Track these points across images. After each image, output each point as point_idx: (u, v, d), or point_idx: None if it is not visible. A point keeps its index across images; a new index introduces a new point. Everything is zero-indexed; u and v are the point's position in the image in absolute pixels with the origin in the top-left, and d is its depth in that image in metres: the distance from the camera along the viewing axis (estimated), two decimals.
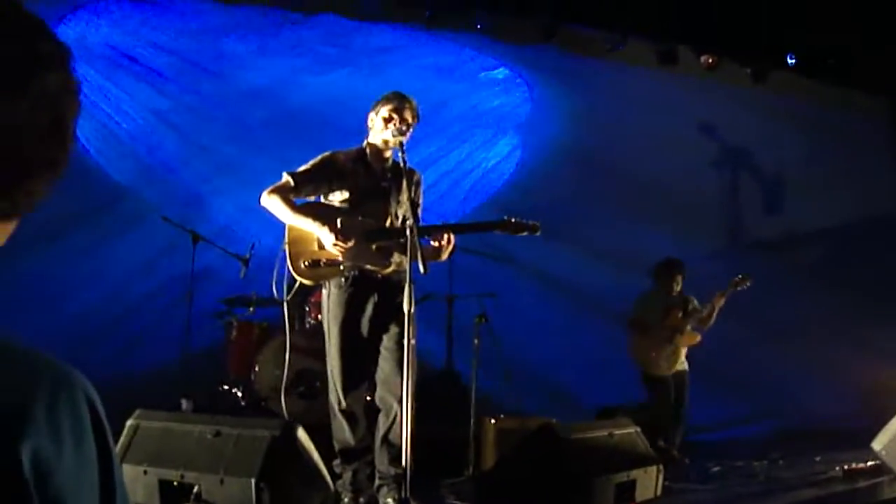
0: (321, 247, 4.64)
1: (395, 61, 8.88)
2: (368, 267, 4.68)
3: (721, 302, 7.67)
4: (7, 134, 1.01)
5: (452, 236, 4.62)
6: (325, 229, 4.59)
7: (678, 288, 7.86)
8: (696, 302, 7.82)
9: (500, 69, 9.77)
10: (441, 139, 8.97)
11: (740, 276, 7.66)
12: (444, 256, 4.67)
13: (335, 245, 4.56)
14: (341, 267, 4.63)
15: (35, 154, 1.04)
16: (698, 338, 7.75)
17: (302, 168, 4.83)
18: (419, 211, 4.89)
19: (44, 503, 0.93)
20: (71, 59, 1.07)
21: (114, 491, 1.05)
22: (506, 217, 4.72)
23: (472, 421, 6.27)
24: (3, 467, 0.91)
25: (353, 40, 8.84)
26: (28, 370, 0.99)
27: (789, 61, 10.19)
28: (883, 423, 6.50)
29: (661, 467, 5.55)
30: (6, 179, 1.03)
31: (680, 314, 7.75)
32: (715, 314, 7.69)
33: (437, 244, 4.63)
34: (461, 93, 9.57)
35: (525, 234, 4.73)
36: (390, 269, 4.68)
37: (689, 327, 7.72)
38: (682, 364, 7.72)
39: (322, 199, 4.88)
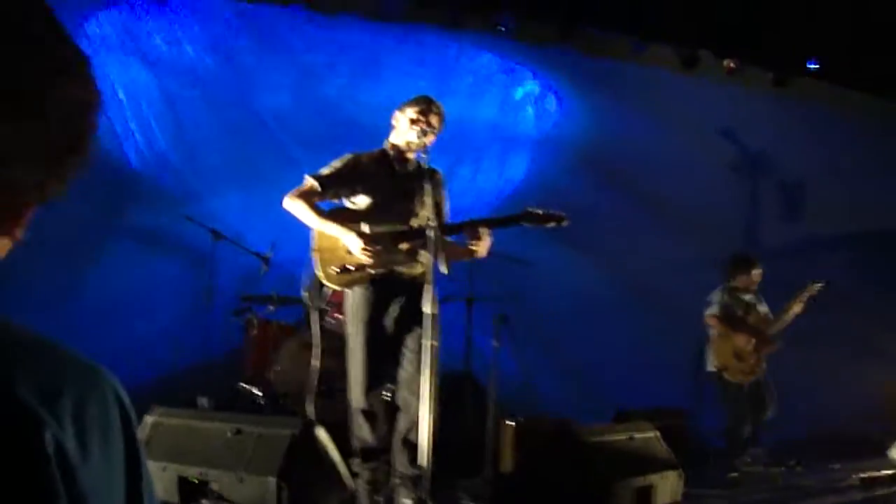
0: (349, 252, 4.63)
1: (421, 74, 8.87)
2: (395, 269, 4.68)
3: (797, 307, 7.45)
4: (19, 154, 0.95)
5: (489, 232, 4.59)
6: (353, 235, 4.59)
7: (755, 287, 7.66)
8: (765, 307, 7.65)
9: (530, 82, 9.76)
10: (460, 153, 8.92)
11: (816, 282, 7.46)
12: (482, 252, 4.64)
13: (363, 251, 4.56)
14: (371, 271, 4.62)
15: (47, 175, 0.99)
16: (776, 345, 7.56)
17: (324, 170, 4.82)
18: (444, 211, 4.88)
19: (70, 501, 0.92)
20: (90, 66, 1.01)
21: (140, 492, 1.03)
22: (531, 208, 4.69)
23: (490, 422, 6.27)
24: (30, 462, 0.89)
25: (377, 45, 8.86)
26: (57, 366, 0.97)
27: (810, 67, 10.16)
28: None
29: (682, 472, 5.51)
30: (16, 201, 0.99)
31: (757, 317, 7.58)
32: (787, 320, 7.49)
33: (473, 243, 4.62)
34: (487, 107, 9.58)
35: (552, 225, 4.70)
36: (419, 271, 4.68)
37: (767, 331, 7.53)
38: (760, 371, 7.50)
39: (345, 202, 4.87)
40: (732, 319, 7.53)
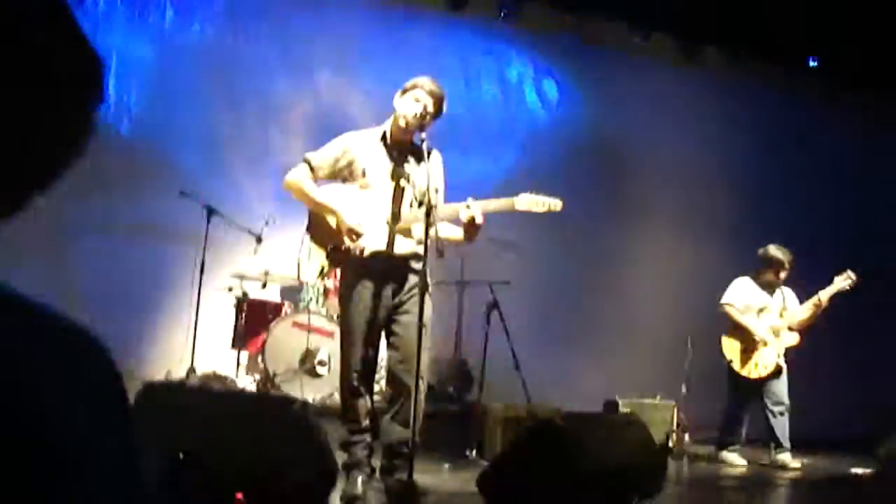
0: (342, 232, 4.64)
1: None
2: (389, 250, 4.68)
3: (822, 302, 7.36)
4: (46, 149, 1.00)
5: (479, 214, 4.59)
6: (347, 215, 4.60)
7: (779, 283, 7.59)
8: (790, 302, 7.58)
9: (529, 69, 9.76)
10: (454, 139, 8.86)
11: (845, 275, 7.34)
12: (475, 235, 4.65)
13: (357, 231, 4.57)
14: (364, 252, 4.62)
15: (52, 171, 1.02)
16: (797, 339, 7.50)
17: (321, 150, 4.82)
18: (441, 192, 4.87)
19: (60, 462, 0.93)
20: (105, 73, 1.04)
21: (131, 460, 1.03)
22: (528, 192, 4.69)
23: (477, 407, 6.30)
24: (24, 421, 0.90)
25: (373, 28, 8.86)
26: (50, 330, 0.98)
27: (810, 63, 10.19)
28: (888, 429, 6.49)
29: (666, 463, 5.54)
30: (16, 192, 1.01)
31: (779, 311, 7.53)
32: (812, 315, 7.42)
33: (465, 227, 4.62)
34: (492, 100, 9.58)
35: (546, 210, 4.70)
36: (409, 252, 4.68)
37: (786, 327, 7.49)
38: (774, 365, 7.42)
39: (341, 182, 4.87)
40: (744, 310, 7.51)
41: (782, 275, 7.55)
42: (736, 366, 7.47)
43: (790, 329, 7.51)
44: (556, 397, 6.96)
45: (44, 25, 0.99)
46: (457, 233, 4.72)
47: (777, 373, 7.43)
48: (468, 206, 4.61)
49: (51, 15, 1.00)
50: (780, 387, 7.45)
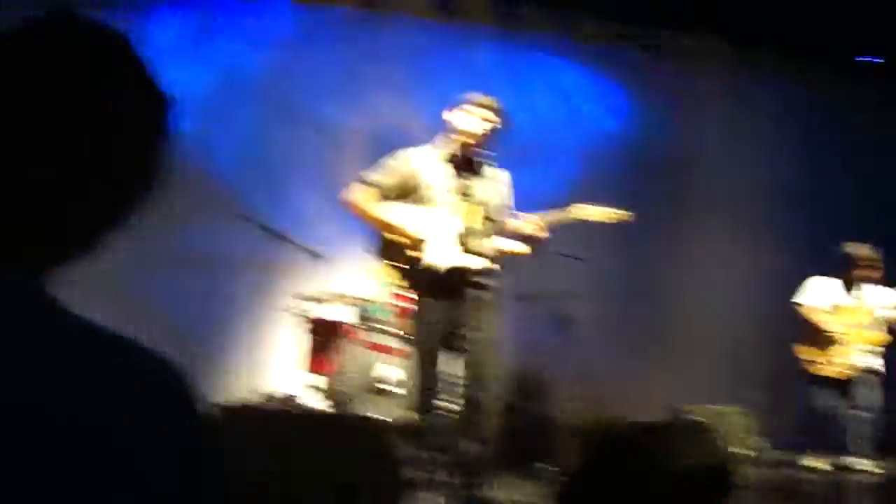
0: (412, 249, 4.65)
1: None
2: (459, 266, 4.69)
3: None
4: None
5: (544, 228, 4.60)
6: (415, 234, 4.61)
7: (860, 280, 7.36)
8: (875, 299, 7.33)
9: (586, 80, 9.74)
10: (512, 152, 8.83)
11: None
12: (537, 246, 4.66)
13: (424, 249, 4.59)
14: (438, 269, 4.65)
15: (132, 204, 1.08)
16: (887, 337, 7.25)
17: (378, 168, 4.84)
18: (508, 210, 4.88)
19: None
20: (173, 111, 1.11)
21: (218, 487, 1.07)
22: (593, 204, 4.69)
23: (549, 420, 6.29)
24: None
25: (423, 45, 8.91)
26: (148, 363, 1.02)
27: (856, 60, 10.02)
28: None
29: (737, 470, 5.46)
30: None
31: (857, 310, 7.30)
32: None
33: (528, 235, 4.63)
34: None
35: (615, 220, 4.70)
36: (478, 267, 4.70)
37: (870, 325, 7.24)
38: (863, 363, 7.22)
39: (403, 200, 4.89)
40: (813, 309, 7.34)
41: (861, 272, 7.32)
42: (811, 365, 7.30)
43: (880, 328, 7.23)
44: (627, 407, 6.91)
45: (114, 69, 1.03)
46: (521, 247, 4.73)
47: (859, 373, 7.20)
48: (529, 220, 4.63)
49: (121, 57, 1.04)
50: (863, 389, 7.21)
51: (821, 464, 7.23)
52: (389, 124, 8.54)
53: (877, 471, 7.04)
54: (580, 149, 9.55)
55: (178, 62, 8.09)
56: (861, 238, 7.55)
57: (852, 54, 9.84)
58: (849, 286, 7.42)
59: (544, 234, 4.60)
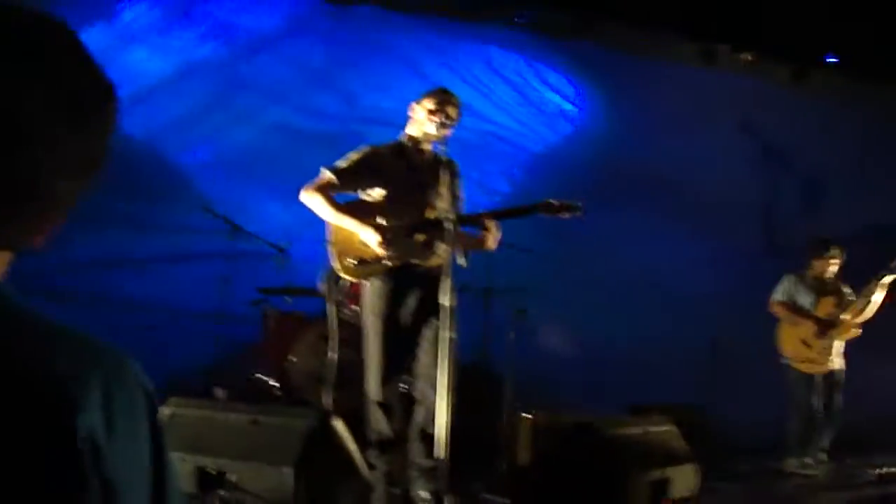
0: (366, 244, 4.64)
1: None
2: (413, 261, 4.68)
3: (878, 291, 7.02)
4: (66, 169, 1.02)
5: (497, 224, 4.60)
6: (369, 229, 4.60)
7: (832, 272, 7.36)
8: (849, 291, 7.30)
9: (551, 75, 9.74)
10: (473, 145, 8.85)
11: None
12: (491, 244, 4.66)
13: (380, 244, 4.57)
14: (388, 263, 4.63)
15: (80, 189, 1.05)
16: (857, 331, 7.21)
17: (341, 163, 4.82)
18: (460, 202, 4.87)
19: (98, 484, 0.93)
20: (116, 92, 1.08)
21: (165, 478, 1.05)
22: (548, 199, 4.69)
23: (506, 415, 6.27)
24: (64, 442, 0.91)
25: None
26: (86, 353, 0.99)
27: (829, 60, 10.12)
28: None
29: (698, 466, 5.48)
30: (50, 214, 1.04)
31: (833, 304, 7.26)
32: (870, 307, 7.10)
33: (484, 232, 4.62)
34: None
35: (568, 215, 4.70)
36: (435, 262, 4.68)
37: (841, 319, 7.20)
38: (835, 362, 7.26)
39: (361, 194, 4.87)
40: (795, 306, 7.36)
41: (829, 268, 7.35)
42: (788, 361, 7.31)
43: (850, 323, 7.21)
44: (583, 403, 6.93)
45: (58, 57, 1.00)
46: (477, 241, 4.72)
47: (832, 371, 7.26)
48: (486, 214, 4.63)
49: (62, 46, 1.01)
50: (835, 388, 7.27)
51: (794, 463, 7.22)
52: (358, 117, 8.51)
53: (813, 472, 7.07)
54: (534, 142, 9.58)
55: (144, 51, 8.03)
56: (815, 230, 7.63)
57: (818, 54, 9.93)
58: (819, 276, 7.42)
59: (496, 228, 4.60)
